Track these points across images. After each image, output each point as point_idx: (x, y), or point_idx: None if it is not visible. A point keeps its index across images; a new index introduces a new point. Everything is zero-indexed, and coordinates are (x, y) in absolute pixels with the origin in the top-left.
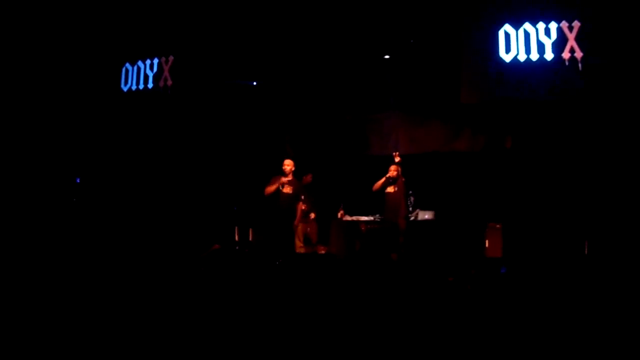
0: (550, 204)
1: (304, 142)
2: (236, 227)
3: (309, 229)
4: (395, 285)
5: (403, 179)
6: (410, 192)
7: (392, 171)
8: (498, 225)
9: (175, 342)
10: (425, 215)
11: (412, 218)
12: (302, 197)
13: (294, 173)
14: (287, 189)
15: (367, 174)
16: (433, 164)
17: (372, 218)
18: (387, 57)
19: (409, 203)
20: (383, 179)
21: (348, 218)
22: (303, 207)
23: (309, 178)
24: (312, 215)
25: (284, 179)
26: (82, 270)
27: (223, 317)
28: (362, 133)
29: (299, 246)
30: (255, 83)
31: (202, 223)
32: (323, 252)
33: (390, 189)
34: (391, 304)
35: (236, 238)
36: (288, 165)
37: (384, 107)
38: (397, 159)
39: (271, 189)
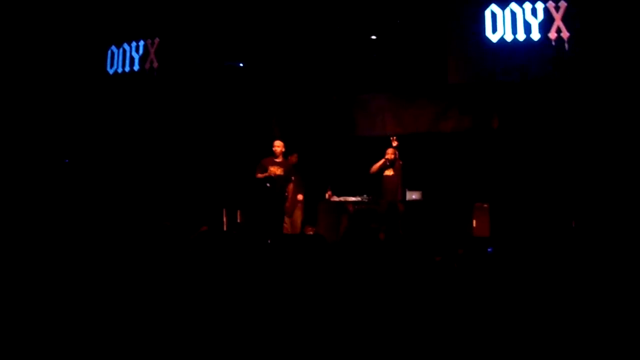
0: (536, 183)
1: (290, 122)
2: (224, 209)
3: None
4: (383, 265)
5: (400, 162)
6: None
7: (390, 154)
8: (485, 205)
9: (165, 324)
10: (413, 195)
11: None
12: (293, 178)
13: (283, 154)
14: (278, 171)
15: (355, 155)
16: (420, 144)
17: (359, 198)
18: (373, 37)
19: None
20: (381, 162)
21: (336, 199)
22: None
23: (294, 158)
24: (300, 197)
25: (273, 169)
26: (69, 254)
27: (213, 300)
28: (349, 114)
29: (286, 228)
30: (241, 64)
31: (189, 205)
32: (311, 232)
33: (388, 172)
34: (379, 283)
35: (224, 220)
36: (278, 146)
37: (371, 88)
38: (394, 143)
39: (262, 176)
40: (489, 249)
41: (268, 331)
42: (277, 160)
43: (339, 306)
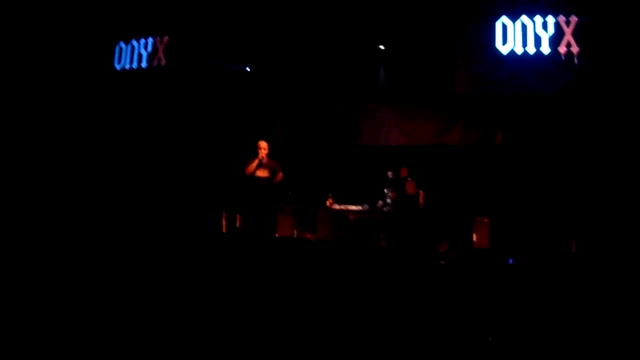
0: (538, 200)
1: (295, 128)
2: (224, 213)
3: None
4: (380, 269)
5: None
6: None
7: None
8: (486, 220)
9: (160, 327)
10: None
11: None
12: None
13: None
14: (263, 173)
15: (358, 164)
16: (423, 155)
17: (360, 208)
18: (382, 47)
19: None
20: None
21: (337, 207)
22: None
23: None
24: None
25: (262, 155)
26: (72, 250)
27: (209, 299)
28: (354, 123)
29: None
30: (249, 69)
31: (191, 204)
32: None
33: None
34: (375, 287)
35: (224, 224)
36: (263, 148)
37: (377, 98)
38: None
39: (251, 167)
40: (510, 261)
41: (264, 330)
42: (263, 162)
43: (336, 306)
